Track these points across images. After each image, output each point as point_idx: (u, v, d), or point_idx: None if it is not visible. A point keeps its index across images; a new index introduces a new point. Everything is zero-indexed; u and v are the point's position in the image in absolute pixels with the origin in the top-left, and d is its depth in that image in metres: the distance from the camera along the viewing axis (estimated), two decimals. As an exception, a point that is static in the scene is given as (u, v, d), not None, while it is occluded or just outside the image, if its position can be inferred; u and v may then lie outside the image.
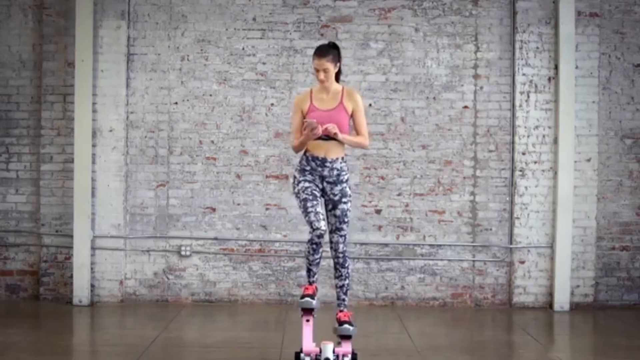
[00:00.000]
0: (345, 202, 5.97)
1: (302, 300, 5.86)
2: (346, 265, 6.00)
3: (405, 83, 8.79)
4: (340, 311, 5.99)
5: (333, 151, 5.92)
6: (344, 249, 5.98)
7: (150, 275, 8.76)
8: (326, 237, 5.96)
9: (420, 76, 8.79)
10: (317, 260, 5.99)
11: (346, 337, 5.86)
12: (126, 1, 8.68)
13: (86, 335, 7.73)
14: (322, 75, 5.90)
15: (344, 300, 6.03)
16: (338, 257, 5.98)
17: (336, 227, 5.98)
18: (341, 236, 5.98)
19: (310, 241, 5.90)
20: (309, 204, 5.87)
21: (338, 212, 5.97)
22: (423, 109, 8.80)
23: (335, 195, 5.96)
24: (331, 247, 6.01)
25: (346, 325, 5.86)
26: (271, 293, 8.77)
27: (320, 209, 5.92)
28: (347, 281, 6.03)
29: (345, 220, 5.98)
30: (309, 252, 5.95)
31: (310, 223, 5.84)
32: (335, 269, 6.02)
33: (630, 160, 8.82)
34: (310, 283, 6.02)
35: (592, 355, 7.03)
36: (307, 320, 5.85)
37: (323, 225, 5.81)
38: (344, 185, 5.97)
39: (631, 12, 8.81)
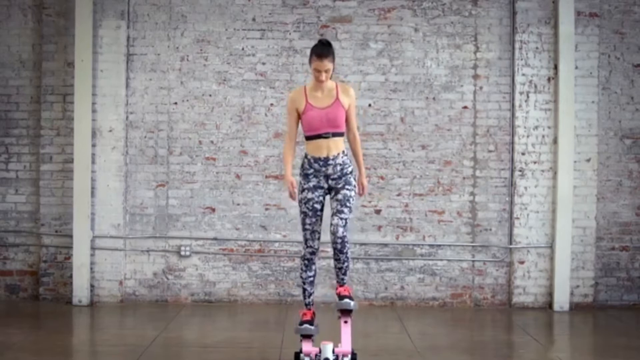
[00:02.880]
0: (349, 189, 5.93)
1: (301, 327, 5.88)
2: (344, 251, 5.86)
3: (405, 83, 8.79)
4: (341, 286, 5.94)
5: (334, 148, 5.93)
6: (344, 234, 5.83)
7: (150, 276, 8.77)
8: (326, 238, 5.96)
9: (420, 76, 8.79)
10: (311, 279, 6.04)
11: (347, 312, 5.84)
12: (126, 1, 8.69)
13: (86, 335, 7.73)
14: (323, 76, 5.89)
15: (342, 278, 5.97)
16: (336, 242, 5.83)
17: (337, 210, 5.89)
18: (341, 219, 5.84)
19: (303, 257, 6.03)
20: (307, 221, 5.97)
21: (340, 197, 5.91)
22: (423, 109, 8.80)
23: (338, 184, 5.95)
24: (330, 231, 5.87)
25: (347, 300, 5.83)
26: (271, 293, 8.78)
27: (319, 227, 5.99)
28: (346, 264, 5.93)
29: (347, 205, 5.89)
30: (302, 269, 6.04)
31: (305, 241, 5.99)
32: (334, 252, 5.91)
33: (630, 160, 8.83)
34: (307, 306, 6.03)
35: (592, 355, 7.03)
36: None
37: (317, 244, 5.98)
38: (348, 176, 5.97)
39: (631, 12, 8.82)
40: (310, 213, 5.95)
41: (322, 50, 5.88)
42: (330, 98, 5.95)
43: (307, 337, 5.86)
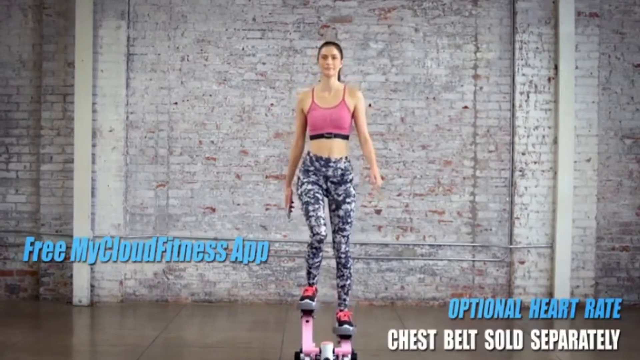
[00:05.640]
0: (349, 203, 5.95)
1: (302, 302, 5.89)
2: (348, 265, 5.99)
3: (405, 83, 8.79)
4: (341, 310, 5.99)
5: (337, 150, 5.92)
6: (347, 249, 5.96)
7: (150, 276, 8.77)
8: (328, 239, 5.97)
9: (420, 76, 8.80)
10: (317, 264, 6.01)
11: (346, 337, 5.87)
12: (126, 1, 8.69)
13: (86, 335, 7.74)
14: (329, 60, 5.90)
15: (344, 300, 6.03)
16: (340, 258, 5.96)
17: (339, 228, 5.96)
18: (344, 237, 5.95)
19: (311, 245, 5.94)
20: (310, 208, 5.88)
21: (341, 213, 5.95)
22: (423, 109, 8.80)
23: (339, 195, 5.95)
24: (333, 247, 5.98)
25: (346, 326, 5.87)
26: (271, 293, 8.78)
27: (322, 213, 5.92)
28: (348, 281, 6.02)
29: (349, 220, 5.95)
30: (309, 255, 5.97)
31: (311, 228, 5.88)
32: (337, 268, 6.01)
33: (630, 160, 8.83)
34: (310, 285, 6.03)
35: (593, 355, 7.02)
36: (307, 321, 5.88)
37: (324, 230, 5.84)
38: (348, 185, 5.96)
39: (631, 12, 8.81)
40: (312, 201, 5.88)
41: (330, 40, 6.05)
42: (337, 99, 5.95)
43: (307, 312, 5.87)
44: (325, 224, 5.88)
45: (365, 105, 6.12)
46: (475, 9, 8.78)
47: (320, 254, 5.98)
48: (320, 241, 5.88)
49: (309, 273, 6.03)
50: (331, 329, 6.03)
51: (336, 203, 5.97)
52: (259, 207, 8.78)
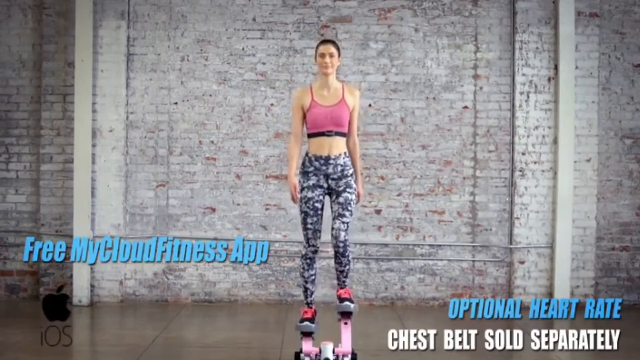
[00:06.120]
0: (349, 192, 5.94)
1: (302, 324, 5.87)
2: (347, 254, 5.91)
3: (405, 83, 8.79)
4: (341, 288, 5.95)
5: (336, 147, 5.93)
6: (345, 237, 5.87)
7: (150, 276, 8.77)
8: (327, 238, 5.97)
9: (420, 76, 8.80)
10: (313, 277, 6.01)
11: (347, 314, 5.85)
12: (126, 1, 8.69)
13: (86, 335, 7.73)
14: (327, 59, 5.90)
15: (344, 281, 5.98)
16: (338, 246, 5.88)
17: (339, 214, 5.91)
18: (343, 223, 5.88)
19: (305, 256, 5.98)
20: (309, 220, 5.93)
21: (342, 200, 5.92)
22: (423, 109, 8.80)
23: (339, 187, 5.94)
24: (332, 235, 5.89)
25: (347, 302, 5.84)
26: (271, 293, 8.78)
27: (320, 225, 5.96)
28: (347, 267, 5.96)
29: (349, 208, 5.91)
30: (303, 268, 5.99)
31: (307, 240, 5.94)
32: (336, 256, 5.94)
33: (630, 160, 8.83)
34: (308, 305, 6.00)
35: (593, 355, 7.03)
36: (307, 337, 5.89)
37: (319, 243, 5.94)
38: (349, 178, 5.96)
39: (631, 12, 8.82)
40: (311, 212, 5.94)
41: (327, 39, 6.09)
42: (336, 97, 5.96)
43: (307, 334, 5.85)
44: (320, 237, 5.96)
45: (362, 107, 6.14)
46: (475, 9, 8.78)
47: (315, 266, 6.02)
48: (315, 252, 5.97)
49: (305, 290, 6.02)
50: (331, 329, 6.03)
51: (337, 193, 5.95)
52: (259, 207, 8.78)
